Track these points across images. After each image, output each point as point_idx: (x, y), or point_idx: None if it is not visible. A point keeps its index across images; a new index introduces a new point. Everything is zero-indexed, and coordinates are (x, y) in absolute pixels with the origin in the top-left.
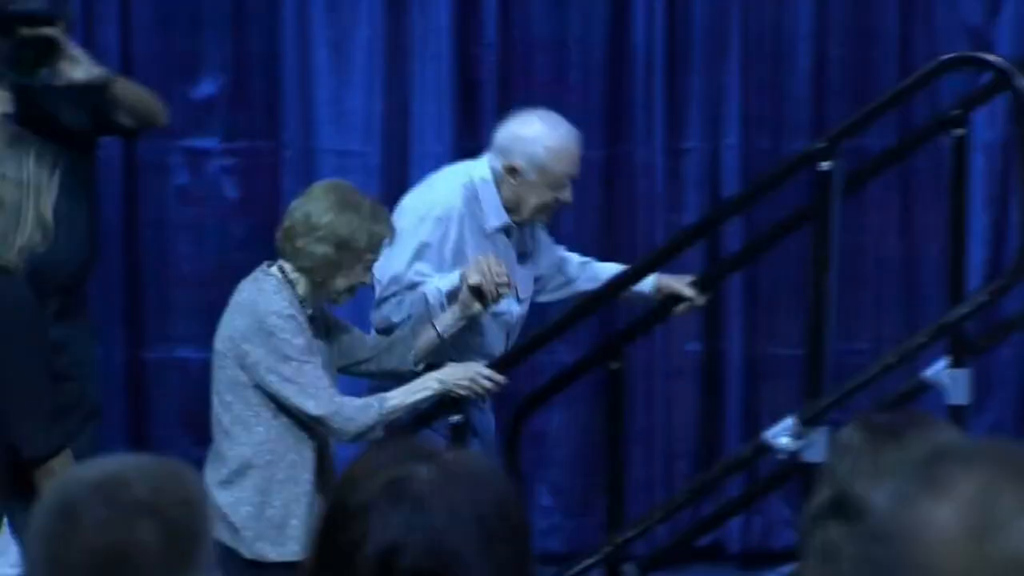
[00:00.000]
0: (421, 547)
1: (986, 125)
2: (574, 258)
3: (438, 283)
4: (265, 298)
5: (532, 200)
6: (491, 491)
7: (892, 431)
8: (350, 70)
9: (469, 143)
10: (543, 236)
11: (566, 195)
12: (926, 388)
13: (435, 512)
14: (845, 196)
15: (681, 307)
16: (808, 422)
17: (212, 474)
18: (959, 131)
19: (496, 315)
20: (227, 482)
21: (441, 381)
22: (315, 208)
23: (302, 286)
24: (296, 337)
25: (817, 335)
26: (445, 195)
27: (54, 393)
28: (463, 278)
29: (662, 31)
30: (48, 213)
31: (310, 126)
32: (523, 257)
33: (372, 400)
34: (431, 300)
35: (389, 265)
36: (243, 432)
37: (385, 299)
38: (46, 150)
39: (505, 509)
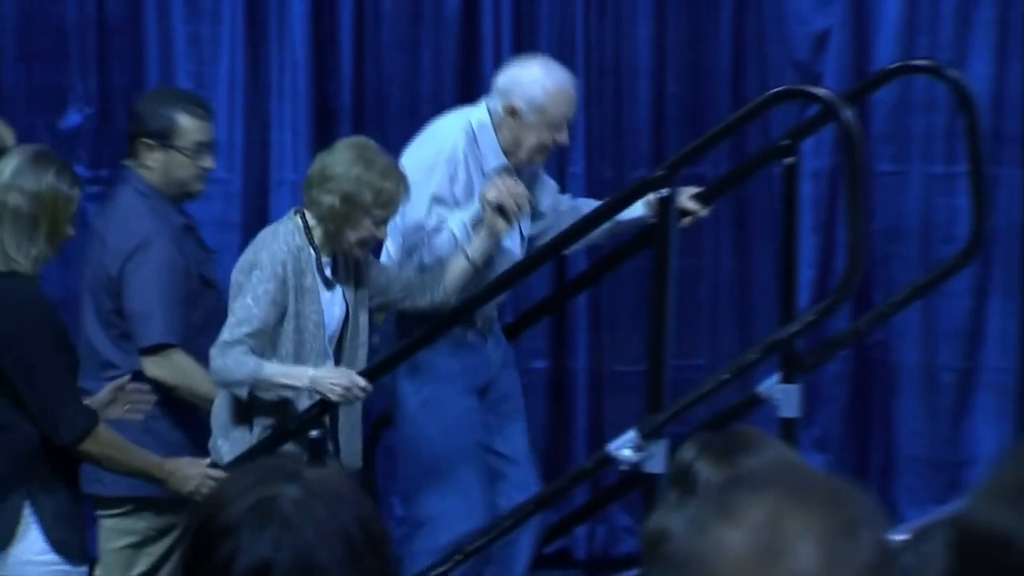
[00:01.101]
0: (290, 564)
1: (814, 154)
2: (566, 198)
3: (461, 217)
4: (272, 238)
5: (531, 140)
6: (353, 507)
7: (723, 452)
8: (212, 103)
9: None
10: (543, 175)
11: (562, 136)
12: (759, 402)
13: (302, 530)
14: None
15: (686, 220)
16: (648, 435)
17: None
18: (789, 160)
19: (503, 252)
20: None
21: (314, 380)
22: (331, 160)
23: (318, 234)
24: (268, 282)
25: (656, 352)
26: (449, 139)
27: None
28: (483, 200)
29: None
30: (65, 227)
31: None
32: None
33: (253, 361)
34: (459, 234)
35: (409, 215)
36: None
37: (414, 246)
38: (67, 168)
39: (367, 524)
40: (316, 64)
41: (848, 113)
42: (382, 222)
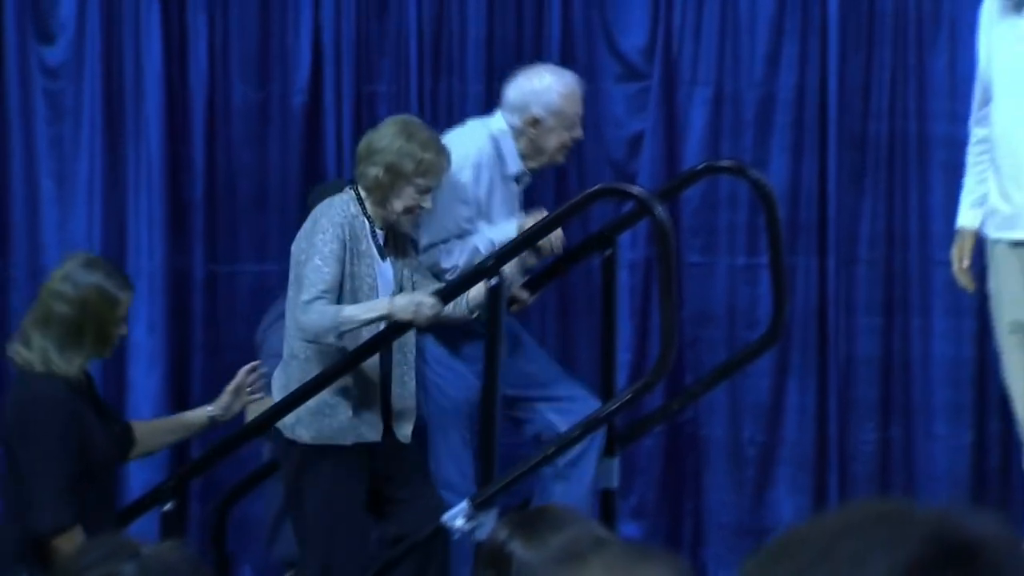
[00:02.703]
0: None
1: (630, 246)
2: None
3: (491, 235)
4: (328, 206)
5: (552, 143)
6: None
7: (532, 530)
8: (73, 199)
9: (179, 260)
10: None
11: (578, 132)
12: None
13: None
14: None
15: (514, 307)
16: (480, 505)
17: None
18: (608, 251)
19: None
20: (279, 370)
21: (392, 304)
22: (376, 136)
23: (369, 206)
24: (331, 243)
25: (487, 428)
26: (477, 144)
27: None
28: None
29: (350, 157)
30: (113, 328)
31: (37, 249)
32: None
33: (333, 308)
34: (483, 251)
35: (434, 214)
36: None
37: (433, 245)
38: (117, 271)
39: None
40: (170, 159)
41: (660, 209)
42: (425, 191)
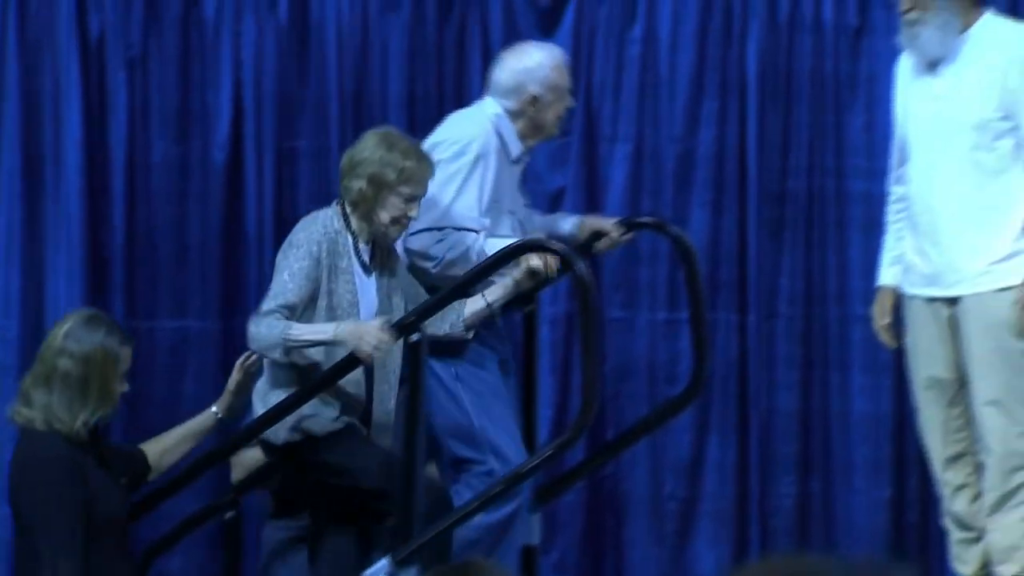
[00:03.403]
0: None
1: (551, 302)
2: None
3: (487, 248)
4: (311, 221)
5: (551, 117)
6: None
7: None
8: None
9: None
10: None
11: (571, 101)
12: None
13: None
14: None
15: (603, 242)
16: (400, 562)
17: None
18: (529, 306)
19: None
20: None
21: (337, 333)
22: (357, 149)
23: (354, 221)
24: (303, 260)
25: (409, 485)
26: (479, 131)
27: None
28: (524, 259)
29: (271, 214)
30: (116, 384)
31: None
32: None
33: (283, 324)
34: (473, 257)
35: (435, 200)
36: None
37: (428, 230)
38: (117, 327)
39: None
40: (90, 215)
41: (581, 264)
42: (410, 199)
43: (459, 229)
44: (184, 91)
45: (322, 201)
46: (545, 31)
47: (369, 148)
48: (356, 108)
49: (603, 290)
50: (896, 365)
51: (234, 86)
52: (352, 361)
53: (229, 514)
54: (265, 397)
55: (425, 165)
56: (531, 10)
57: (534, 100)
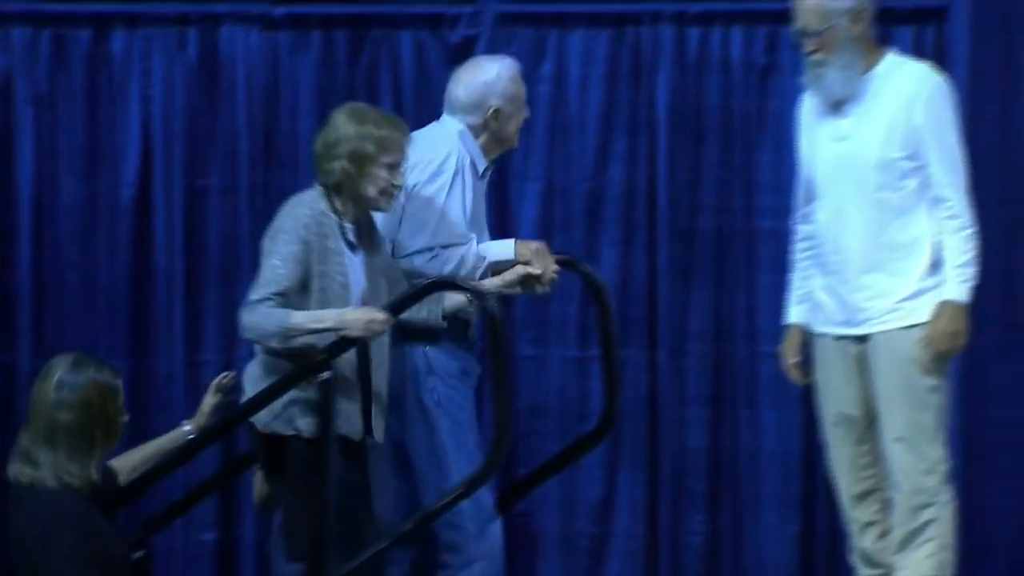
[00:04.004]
0: None
1: None
2: None
3: (482, 251)
4: (296, 203)
5: (512, 129)
6: None
7: None
8: None
9: (5, 356)
10: None
11: (527, 111)
12: None
13: None
14: None
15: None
16: None
17: None
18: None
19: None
20: (253, 364)
21: (339, 317)
22: (328, 131)
23: (338, 202)
24: (292, 243)
25: (320, 528)
26: (451, 147)
27: None
28: (518, 260)
29: (180, 252)
30: (118, 418)
31: None
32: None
33: (281, 312)
34: (470, 263)
35: (418, 221)
36: None
37: (419, 252)
38: (104, 363)
39: None
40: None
41: (492, 301)
42: (392, 167)
43: (447, 246)
44: (92, 129)
45: (232, 239)
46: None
47: (341, 126)
48: (266, 146)
49: (514, 327)
50: (804, 401)
51: (143, 124)
52: (346, 343)
53: (138, 554)
54: (256, 384)
55: (399, 131)
56: (441, 49)
57: (496, 113)
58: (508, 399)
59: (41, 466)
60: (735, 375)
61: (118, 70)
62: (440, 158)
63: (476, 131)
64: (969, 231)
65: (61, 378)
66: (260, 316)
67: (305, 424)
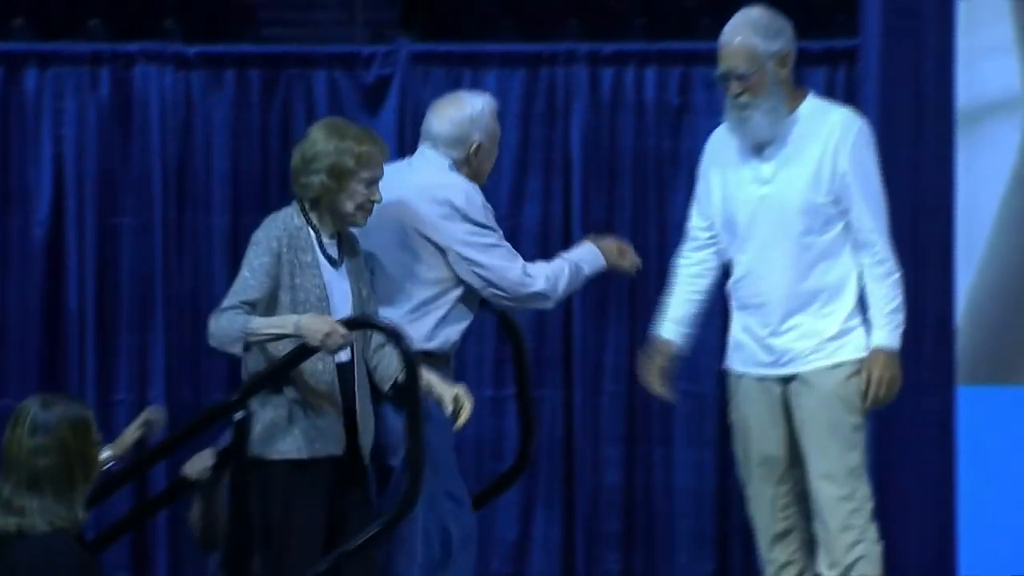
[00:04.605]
0: None
1: None
2: None
3: (577, 260)
4: (270, 220)
5: (489, 164)
6: None
7: None
8: None
9: None
10: None
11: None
12: None
13: None
14: None
15: None
16: None
17: None
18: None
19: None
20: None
21: (298, 325)
22: (306, 145)
23: (315, 216)
24: (263, 256)
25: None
26: (457, 180)
27: None
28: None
29: (93, 291)
30: (94, 452)
31: None
32: None
33: (243, 318)
34: (569, 272)
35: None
36: None
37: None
38: (72, 397)
39: None
40: None
41: (408, 340)
42: (371, 183)
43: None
44: (3, 168)
45: (145, 278)
46: (370, 110)
47: (320, 141)
48: (179, 184)
49: None
50: (720, 441)
51: (55, 162)
52: (305, 351)
53: None
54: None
55: (378, 146)
56: (355, 89)
57: (478, 149)
58: (420, 439)
59: (28, 513)
60: (649, 414)
61: (30, 109)
62: (469, 186)
63: (458, 165)
64: (896, 276)
65: (33, 422)
66: (224, 321)
67: (287, 446)
